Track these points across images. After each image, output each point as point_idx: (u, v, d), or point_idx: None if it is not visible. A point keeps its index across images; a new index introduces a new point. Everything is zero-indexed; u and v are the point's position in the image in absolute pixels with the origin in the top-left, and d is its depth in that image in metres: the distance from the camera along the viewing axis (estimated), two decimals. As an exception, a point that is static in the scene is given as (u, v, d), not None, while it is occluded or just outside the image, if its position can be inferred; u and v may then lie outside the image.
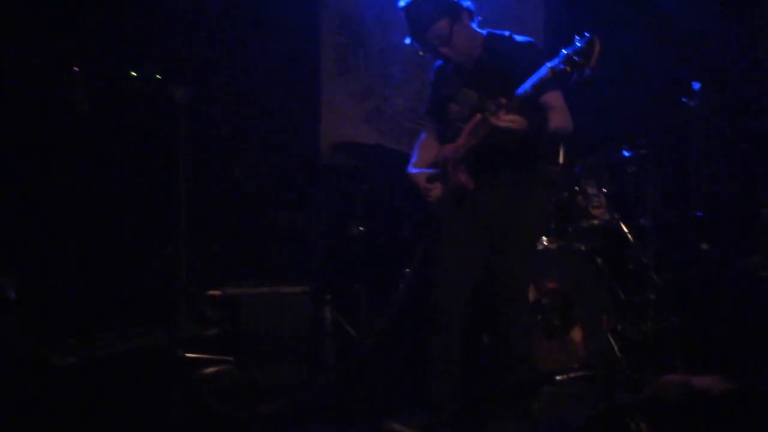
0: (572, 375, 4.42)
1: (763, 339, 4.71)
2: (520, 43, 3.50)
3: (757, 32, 5.45)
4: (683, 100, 4.59)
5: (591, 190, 4.80)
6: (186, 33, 5.30)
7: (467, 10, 3.53)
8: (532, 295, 4.38)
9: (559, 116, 3.38)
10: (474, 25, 3.58)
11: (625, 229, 4.87)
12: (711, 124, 5.08)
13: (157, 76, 4.07)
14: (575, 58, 2.95)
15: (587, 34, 2.95)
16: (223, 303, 4.55)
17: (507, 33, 3.57)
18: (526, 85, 3.16)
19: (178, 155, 4.01)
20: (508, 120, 3.19)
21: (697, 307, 5.03)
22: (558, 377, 4.38)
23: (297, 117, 5.65)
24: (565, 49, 3.00)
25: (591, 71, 2.95)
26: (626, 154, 4.87)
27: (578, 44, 2.96)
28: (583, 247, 4.72)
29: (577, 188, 4.78)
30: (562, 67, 2.98)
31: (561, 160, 4.84)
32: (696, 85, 4.53)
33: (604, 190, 4.83)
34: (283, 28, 5.57)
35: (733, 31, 5.43)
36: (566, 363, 4.45)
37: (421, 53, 3.61)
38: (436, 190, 3.61)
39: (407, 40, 3.57)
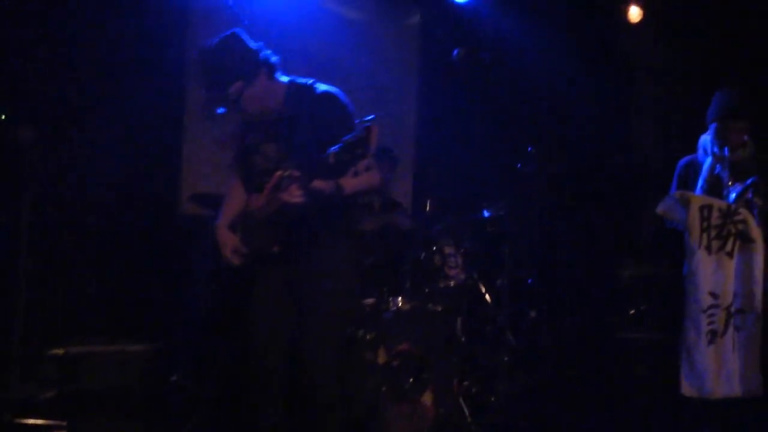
0: (420, 440, 4.40)
1: (621, 399, 4.85)
2: (320, 94, 3.47)
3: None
4: (518, 166, 4.69)
5: (448, 250, 4.84)
6: (43, 73, 5.16)
7: (267, 65, 3.48)
8: (381, 358, 4.38)
9: (358, 179, 3.30)
10: (277, 75, 3.53)
11: (483, 290, 4.95)
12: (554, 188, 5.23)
13: (2, 116, 3.94)
14: (353, 148, 3.02)
15: (365, 124, 3.02)
16: (65, 362, 4.42)
17: (310, 81, 3.54)
18: (313, 165, 3.19)
19: (21, 200, 3.87)
20: (298, 196, 3.22)
21: (552, 368, 5.15)
22: (407, 443, 4.35)
23: (156, 165, 5.54)
24: (346, 137, 3.05)
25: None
26: (486, 214, 4.96)
27: (356, 133, 3.02)
28: (439, 308, 4.73)
29: (434, 248, 4.83)
30: (342, 155, 3.04)
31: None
32: (530, 149, 4.64)
33: (462, 250, 4.89)
34: (146, 71, 5.47)
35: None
36: (416, 428, 4.40)
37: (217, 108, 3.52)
38: (234, 252, 3.56)
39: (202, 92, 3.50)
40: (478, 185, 5.49)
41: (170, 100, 5.60)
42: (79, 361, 4.36)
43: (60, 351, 4.39)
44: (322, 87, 3.50)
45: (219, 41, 3.42)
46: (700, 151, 4.26)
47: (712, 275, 3.79)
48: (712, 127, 4.17)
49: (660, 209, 3.87)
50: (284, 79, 3.54)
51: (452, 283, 4.78)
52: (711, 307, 3.77)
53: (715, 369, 3.77)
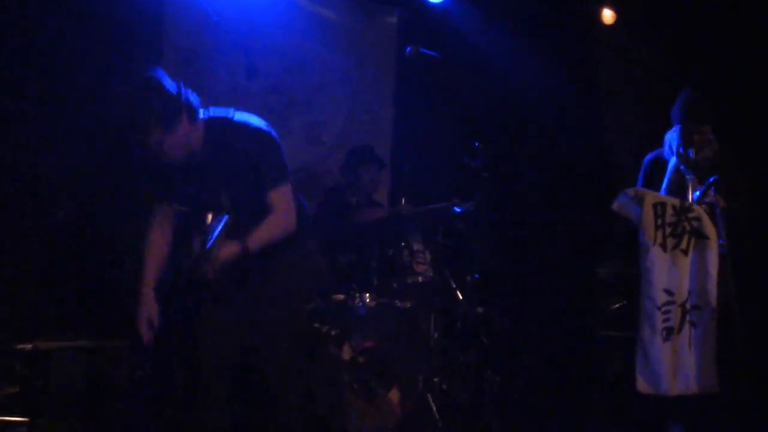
0: (386, 437, 4.41)
1: (594, 402, 4.86)
2: (236, 125, 3.40)
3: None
4: (465, 161, 4.69)
5: (417, 246, 4.83)
6: (17, 75, 5.20)
7: (187, 108, 3.34)
8: (347, 354, 4.40)
9: (266, 229, 3.34)
10: (198, 114, 3.42)
11: (453, 286, 4.95)
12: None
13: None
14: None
15: None
16: (33, 358, 4.42)
17: (228, 114, 3.46)
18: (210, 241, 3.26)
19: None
20: (211, 273, 3.25)
21: (524, 364, 5.16)
22: (371, 440, 4.37)
23: (128, 158, 5.53)
24: None
25: None
26: (456, 210, 4.96)
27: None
28: (408, 305, 4.74)
29: (403, 244, 4.82)
30: None
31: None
32: (477, 144, 4.64)
33: (431, 246, 4.89)
34: (120, 70, 5.48)
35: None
36: (382, 425, 4.39)
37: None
38: (148, 325, 3.51)
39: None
40: (453, 183, 5.49)
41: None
42: (47, 357, 4.35)
43: (27, 346, 4.40)
44: (238, 117, 3.43)
45: (136, 88, 3.25)
46: (666, 148, 4.25)
47: (667, 272, 3.78)
48: (677, 128, 4.17)
49: (615, 206, 3.87)
50: (203, 115, 3.44)
51: (420, 280, 4.78)
52: (666, 303, 3.76)
53: (671, 366, 3.76)
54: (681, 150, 4.09)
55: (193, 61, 5.75)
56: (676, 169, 4.07)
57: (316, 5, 5.90)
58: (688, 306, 3.78)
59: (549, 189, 5.59)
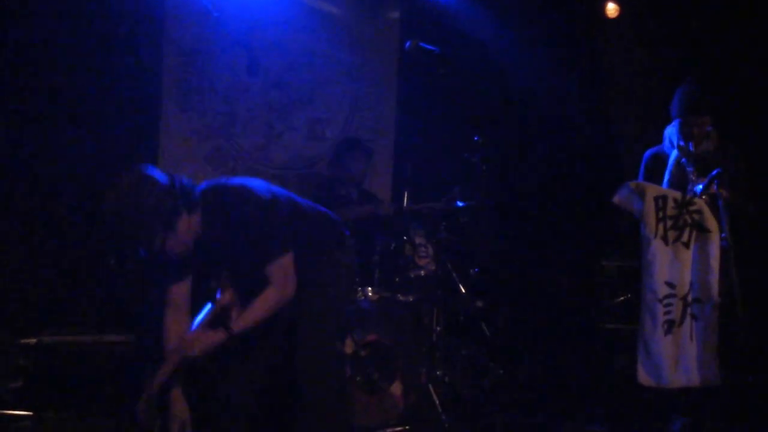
0: (389, 430, 4.37)
1: (597, 395, 4.85)
2: (234, 191, 3.25)
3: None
4: (465, 156, 4.69)
5: (419, 240, 4.83)
6: (20, 71, 5.20)
7: (185, 202, 3.16)
8: (349, 348, 4.39)
9: (258, 307, 3.25)
10: (196, 199, 3.24)
11: (456, 279, 4.95)
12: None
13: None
14: None
15: None
16: (37, 352, 4.42)
17: (220, 185, 3.31)
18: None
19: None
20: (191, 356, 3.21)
21: (527, 358, 5.16)
22: (373, 432, 4.37)
23: (134, 154, 5.46)
24: None
25: None
26: (459, 204, 4.96)
27: None
28: (410, 299, 4.74)
29: (405, 238, 4.81)
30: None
31: None
32: (476, 138, 4.64)
33: (435, 240, 4.88)
34: (122, 63, 5.44)
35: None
36: (384, 418, 4.39)
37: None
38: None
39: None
40: (455, 177, 5.48)
41: (146, 90, 5.59)
42: (51, 351, 4.35)
43: (32, 340, 4.39)
44: (229, 188, 3.28)
45: (127, 197, 3.03)
46: (666, 142, 4.24)
47: (669, 265, 3.77)
48: (677, 121, 4.16)
49: (616, 199, 3.85)
50: (198, 193, 3.26)
51: (422, 273, 4.78)
52: (668, 296, 3.75)
53: (673, 358, 3.75)
54: (681, 143, 4.08)
55: (194, 57, 5.76)
56: (677, 162, 4.06)
57: (318, 0, 5.90)
58: (689, 299, 3.77)
59: (552, 183, 5.58)
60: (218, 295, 3.41)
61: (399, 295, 4.68)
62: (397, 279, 4.76)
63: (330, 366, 3.56)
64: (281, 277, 3.27)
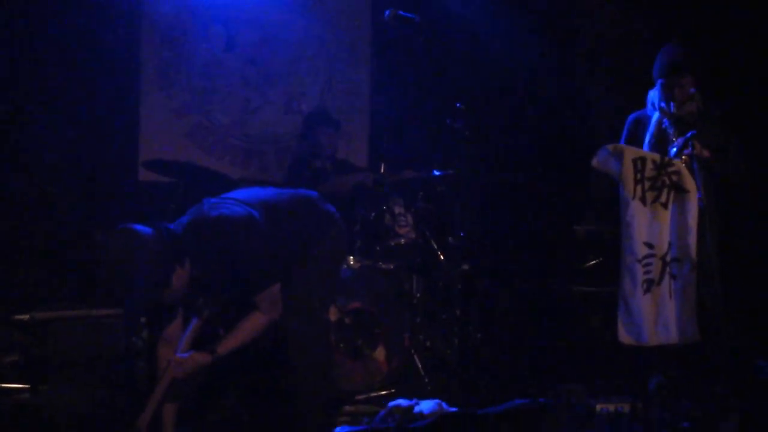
0: (373, 394, 4.31)
1: (574, 356, 4.79)
2: (214, 222, 3.18)
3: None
4: (447, 121, 4.57)
5: (398, 210, 4.71)
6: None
7: (176, 252, 3.11)
8: (334, 316, 4.29)
9: (244, 330, 3.22)
10: (182, 248, 3.19)
11: (435, 247, 4.85)
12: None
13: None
14: None
15: None
16: (30, 327, 4.27)
17: (203, 211, 3.23)
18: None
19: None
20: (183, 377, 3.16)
21: (507, 323, 5.08)
22: (358, 397, 4.27)
23: (114, 132, 5.37)
24: None
25: None
26: (436, 173, 4.85)
27: None
28: (391, 267, 4.65)
29: (384, 207, 4.69)
30: None
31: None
32: (459, 105, 4.52)
33: (413, 209, 4.78)
34: (100, 41, 5.27)
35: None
36: (369, 382, 4.34)
37: None
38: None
39: None
40: (432, 147, 5.36)
41: (124, 68, 5.43)
42: (44, 327, 4.20)
43: (25, 316, 4.24)
44: (210, 224, 3.19)
45: (122, 266, 2.97)
46: (649, 106, 4.14)
47: (648, 226, 3.67)
48: (659, 83, 4.06)
49: (595, 162, 3.74)
50: (180, 230, 3.20)
51: (403, 242, 4.66)
52: (647, 257, 3.66)
53: (652, 317, 3.67)
54: (662, 104, 3.97)
55: (171, 35, 5.59)
56: (659, 125, 3.95)
57: (292, -27, 5.72)
58: (668, 258, 3.68)
59: (528, 150, 5.46)
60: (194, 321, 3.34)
61: (380, 263, 4.60)
62: (377, 248, 4.64)
63: (317, 334, 3.53)
64: (268, 303, 3.24)
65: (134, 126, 5.47)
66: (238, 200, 3.33)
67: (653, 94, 4.13)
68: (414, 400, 3.20)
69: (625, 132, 4.23)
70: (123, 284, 3.01)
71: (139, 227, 3.05)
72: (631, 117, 4.25)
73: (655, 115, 4.06)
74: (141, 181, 5.40)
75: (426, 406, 3.09)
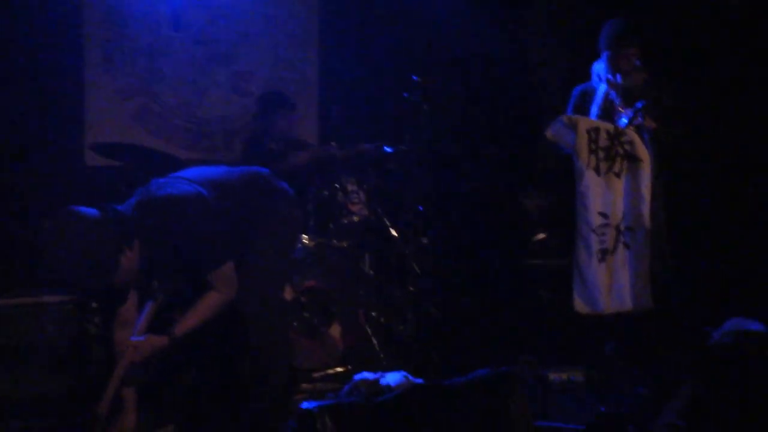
0: (330, 371, 4.23)
1: (527, 328, 4.77)
2: (163, 202, 3.07)
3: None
4: (405, 94, 4.49)
5: (351, 187, 4.64)
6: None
7: (123, 233, 2.97)
8: (289, 295, 4.20)
9: (199, 310, 3.11)
10: (131, 228, 3.05)
11: (388, 224, 4.78)
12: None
13: None
14: None
15: None
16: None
17: (151, 192, 3.12)
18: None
19: None
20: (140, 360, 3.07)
21: (460, 298, 5.04)
22: (315, 374, 4.19)
23: (59, 116, 5.15)
24: None
25: None
26: (387, 149, 4.76)
27: None
28: (345, 244, 4.57)
29: (337, 185, 4.61)
30: None
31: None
32: (414, 78, 4.45)
33: (365, 186, 4.70)
34: (42, 22, 5.04)
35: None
36: (325, 360, 4.25)
37: None
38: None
39: None
40: (381, 124, 5.27)
41: (68, 49, 5.20)
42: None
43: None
44: (159, 203, 3.08)
45: (62, 242, 2.81)
46: (594, 78, 4.12)
47: (602, 196, 3.67)
48: (605, 55, 4.04)
49: (549, 133, 3.71)
50: (129, 210, 3.07)
51: (356, 219, 4.59)
52: (601, 226, 3.66)
53: (606, 285, 3.67)
54: (609, 76, 3.95)
55: (117, 14, 5.36)
56: (605, 96, 3.94)
57: (238, -47, 5.55)
58: (622, 227, 3.68)
59: (475, 125, 5.40)
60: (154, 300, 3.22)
61: (334, 241, 4.50)
62: (331, 225, 4.56)
63: (273, 313, 3.45)
64: (222, 282, 3.13)
65: (79, 109, 5.25)
66: (187, 179, 3.21)
67: (599, 67, 4.11)
68: (379, 373, 3.13)
69: (571, 104, 4.18)
70: (69, 269, 2.85)
71: (84, 209, 2.91)
72: (576, 89, 4.22)
73: (602, 87, 4.05)
74: (88, 166, 5.18)
75: (392, 378, 3.03)
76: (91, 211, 2.91)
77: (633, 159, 3.66)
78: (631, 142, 3.67)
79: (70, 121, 5.22)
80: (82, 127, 5.26)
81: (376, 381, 3.06)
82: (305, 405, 2.61)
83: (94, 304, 4.35)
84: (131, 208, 3.07)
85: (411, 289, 4.66)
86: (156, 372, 3.32)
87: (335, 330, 4.34)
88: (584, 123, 3.68)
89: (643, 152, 3.67)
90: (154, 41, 5.45)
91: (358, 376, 3.20)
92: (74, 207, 2.90)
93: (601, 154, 3.65)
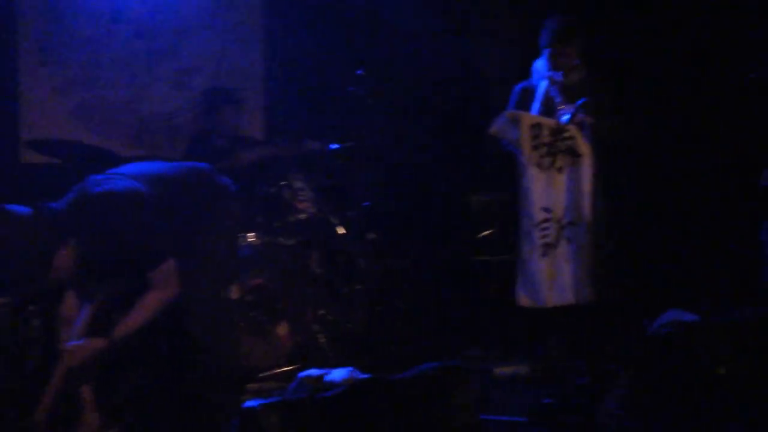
0: (277, 370, 4.19)
1: (473, 323, 4.83)
2: (97, 199, 3.00)
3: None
4: (350, 89, 4.50)
5: (298, 184, 4.62)
6: None
7: (60, 236, 2.91)
8: (235, 293, 4.17)
9: (139, 311, 3.05)
10: (64, 226, 3.00)
11: (334, 221, 4.78)
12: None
13: None
14: None
15: None
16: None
17: (86, 189, 3.04)
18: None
19: None
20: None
21: (407, 294, 5.07)
22: (262, 373, 4.16)
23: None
24: None
25: None
26: (333, 146, 4.76)
27: None
28: (292, 242, 4.54)
29: (284, 182, 4.58)
30: None
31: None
32: (359, 72, 4.46)
33: (313, 183, 4.68)
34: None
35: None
36: (272, 359, 4.23)
37: None
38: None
39: None
40: (330, 119, 5.25)
41: (1, 41, 5.09)
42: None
43: None
44: (96, 200, 3.01)
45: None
46: (535, 76, 4.17)
47: (544, 191, 3.74)
48: (545, 52, 4.10)
49: (493, 129, 3.77)
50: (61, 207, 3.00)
51: (303, 217, 4.57)
52: (544, 221, 3.72)
53: (549, 280, 3.74)
54: (549, 73, 4.01)
55: (51, 4, 5.24)
56: (546, 93, 3.98)
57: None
58: (564, 222, 3.75)
59: (421, 121, 5.42)
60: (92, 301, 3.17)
61: (281, 239, 4.47)
62: (278, 223, 4.53)
63: (218, 312, 3.40)
64: (162, 280, 3.06)
65: (14, 104, 5.13)
66: (124, 175, 3.14)
67: (540, 64, 4.17)
68: (325, 370, 3.14)
69: (512, 102, 4.23)
70: (1, 269, 2.79)
71: (15, 207, 2.84)
72: (517, 87, 4.27)
73: (543, 84, 4.09)
74: (23, 163, 5.08)
75: (337, 374, 3.02)
76: (23, 210, 2.84)
77: (574, 155, 3.73)
78: (572, 138, 3.73)
79: (5, 116, 5.10)
80: (17, 123, 5.14)
81: (321, 377, 3.07)
82: (249, 403, 2.61)
83: (31, 307, 4.30)
84: (65, 205, 3.01)
85: (358, 286, 4.69)
86: (99, 374, 3.27)
87: (282, 328, 4.31)
88: (527, 119, 3.74)
89: (585, 148, 3.74)
90: (92, 34, 5.32)
91: (303, 373, 3.20)
92: (5, 206, 2.84)
93: (544, 150, 3.71)
